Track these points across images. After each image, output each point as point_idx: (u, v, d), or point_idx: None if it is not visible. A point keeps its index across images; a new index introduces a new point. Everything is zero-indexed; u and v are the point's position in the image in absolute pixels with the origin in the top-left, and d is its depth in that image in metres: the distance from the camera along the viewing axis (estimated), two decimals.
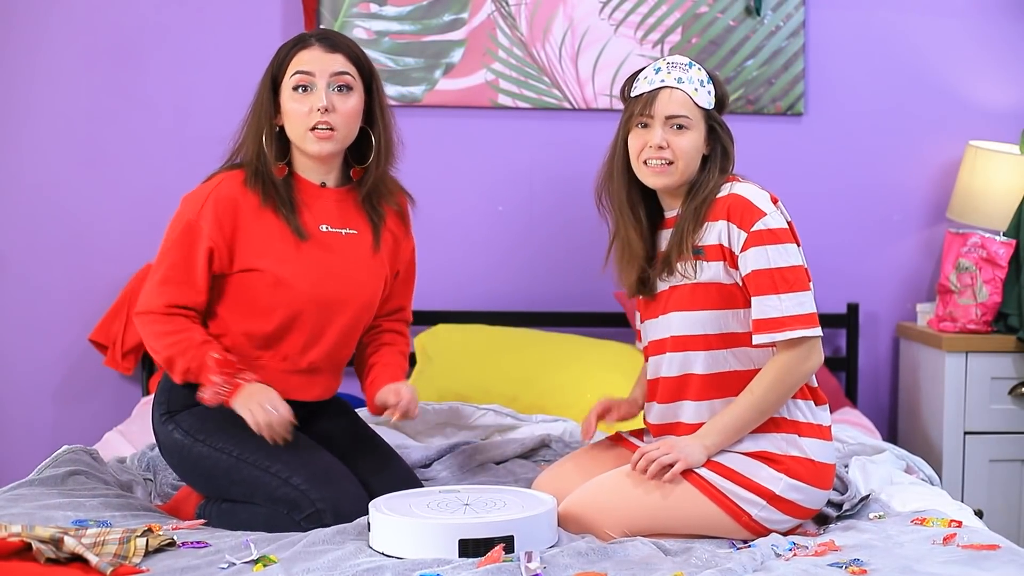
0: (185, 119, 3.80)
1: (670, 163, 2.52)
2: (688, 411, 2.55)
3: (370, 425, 2.87)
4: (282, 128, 2.63)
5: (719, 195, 2.52)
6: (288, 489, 2.48)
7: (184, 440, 2.59)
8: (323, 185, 2.66)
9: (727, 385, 2.52)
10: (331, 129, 2.57)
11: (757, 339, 2.47)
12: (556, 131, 3.87)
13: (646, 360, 2.67)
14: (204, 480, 2.60)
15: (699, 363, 2.53)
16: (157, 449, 2.97)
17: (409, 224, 2.80)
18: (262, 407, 2.49)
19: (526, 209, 3.88)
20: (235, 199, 2.58)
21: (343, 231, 2.65)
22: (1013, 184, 3.70)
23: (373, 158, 2.66)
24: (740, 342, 2.51)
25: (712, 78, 2.59)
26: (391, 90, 3.79)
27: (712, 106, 2.56)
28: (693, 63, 2.57)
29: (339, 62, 2.59)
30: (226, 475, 2.54)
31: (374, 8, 3.80)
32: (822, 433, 2.54)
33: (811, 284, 2.52)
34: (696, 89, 2.53)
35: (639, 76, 2.59)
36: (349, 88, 2.60)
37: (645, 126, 2.54)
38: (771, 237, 2.46)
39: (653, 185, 2.56)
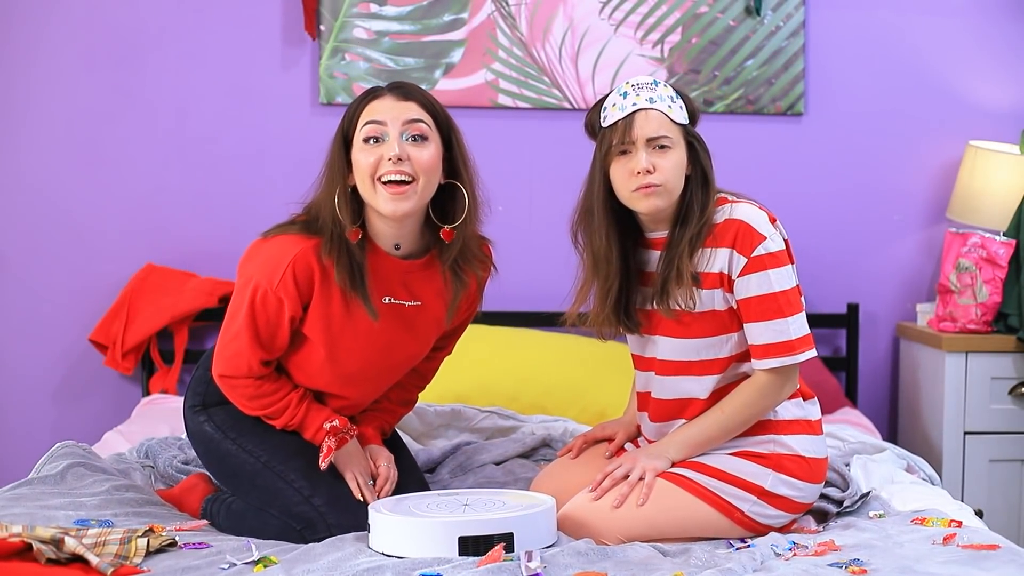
0: (185, 119, 3.81)
1: (658, 185, 2.41)
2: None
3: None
4: (355, 188, 2.43)
5: (717, 220, 2.44)
6: (307, 507, 2.44)
7: (214, 434, 2.56)
8: (397, 247, 2.48)
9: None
10: (406, 183, 2.37)
11: (764, 364, 2.43)
12: (556, 131, 3.87)
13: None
14: (226, 476, 2.58)
15: (700, 388, 2.49)
16: (154, 439, 2.98)
17: (478, 291, 2.64)
18: (364, 477, 2.49)
19: (526, 209, 3.88)
20: (311, 274, 2.41)
21: (407, 303, 2.51)
22: (1013, 184, 3.71)
23: (465, 218, 2.47)
24: (729, 365, 2.49)
25: (680, 93, 2.49)
26: None
27: (687, 121, 2.47)
28: (658, 81, 2.47)
29: (413, 110, 2.40)
30: (249, 478, 2.51)
31: (374, 8, 3.80)
32: (810, 428, 2.52)
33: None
34: (669, 106, 2.44)
35: (605, 105, 2.46)
36: (424, 138, 2.40)
37: (626, 153, 2.43)
38: (772, 261, 2.41)
39: (646, 210, 2.43)
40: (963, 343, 3.60)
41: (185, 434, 2.72)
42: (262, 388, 2.50)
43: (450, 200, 2.49)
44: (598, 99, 2.52)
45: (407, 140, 2.39)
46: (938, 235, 3.96)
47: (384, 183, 2.38)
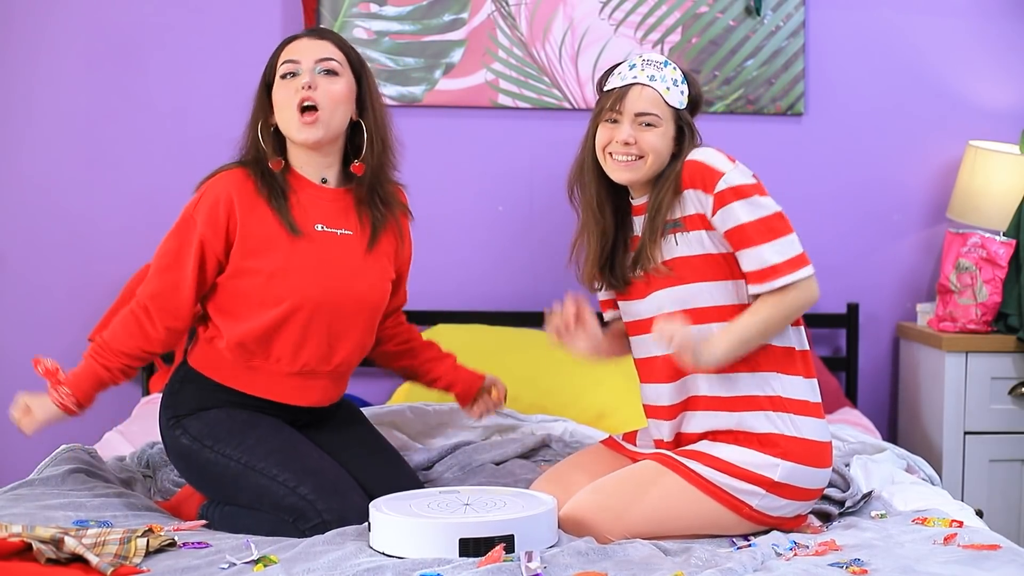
0: (185, 119, 3.81)
1: (639, 157, 2.51)
2: (702, 383, 2.52)
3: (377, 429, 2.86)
4: (277, 127, 2.62)
5: (679, 168, 2.50)
6: (295, 499, 2.47)
7: (192, 446, 2.58)
8: (324, 182, 2.63)
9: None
10: (315, 108, 2.55)
11: (753, 289, 2.45)
12: (556, 131, 3.86)
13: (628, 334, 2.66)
14: (210, 485, 2.59)
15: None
16: (156, 447, 2.98)
17: (408, 234, 2.77)
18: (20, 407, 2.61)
19: (526, 209, 3.88)
20: (230, 193, 2.56)
21: (338, 231, 2.62)
22: (1013, 184, 3.71)
23: (366, 148, 2.63)
24: (733, 315, 2.48)
25: (688, 78, 2.58)
26: (391, 90, 3.79)
27: (684, 106, 2.55)
28: (669, 62, 2.56)
29: (325, 48, 2.60)
30: (233, 482, 2.53)
31: (374, 8, 3.80)
32: (815, 411, 2.51)
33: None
34: (668, 88, 2.53)
35: (615, 71, 2.58)
36: (335, 73, 2.59)
37: (614, 122, 2.53)
38: (734, 194, 2.44)
39: (618, 179, 2.55)
40: (963, 343, 3.60)
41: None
42: (124, 319, 2.62)
43: (361, 138, 2.66)
44: (614, 64, 2.62)
45: (319, 73, 2.58)
46: (938, 235, 3.96)
47: (299, 112, 2.55)
